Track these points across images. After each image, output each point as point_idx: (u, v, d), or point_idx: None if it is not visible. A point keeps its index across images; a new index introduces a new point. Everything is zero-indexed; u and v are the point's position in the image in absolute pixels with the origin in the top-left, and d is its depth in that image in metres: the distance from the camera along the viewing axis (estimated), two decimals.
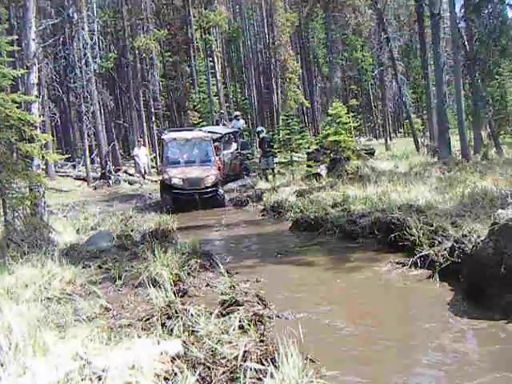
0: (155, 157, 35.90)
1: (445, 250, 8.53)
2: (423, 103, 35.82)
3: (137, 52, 37.42)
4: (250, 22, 55.34)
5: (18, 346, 5.37)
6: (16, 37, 15.65)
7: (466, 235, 8.37)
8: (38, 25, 20.28)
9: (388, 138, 44.45)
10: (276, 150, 25.41)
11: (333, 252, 11.11)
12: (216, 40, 47.92)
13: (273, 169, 24.90)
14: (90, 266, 9.86)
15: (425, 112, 35.00)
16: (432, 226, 9.81)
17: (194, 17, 40.90)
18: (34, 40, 13.09)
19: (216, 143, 23.61)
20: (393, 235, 10.16)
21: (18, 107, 11.81)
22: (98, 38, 33.76)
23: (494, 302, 6.63)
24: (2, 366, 5.08)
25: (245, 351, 5.44)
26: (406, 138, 48.48)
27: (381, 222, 11.13)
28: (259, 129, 27.38)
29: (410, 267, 8.91)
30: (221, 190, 20.79)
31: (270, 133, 36.51)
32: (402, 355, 5.93)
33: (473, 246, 7.61)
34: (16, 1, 29.06)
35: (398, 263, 9.27)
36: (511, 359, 5.58)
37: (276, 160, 25.69)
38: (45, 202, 12.70)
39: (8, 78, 11.93)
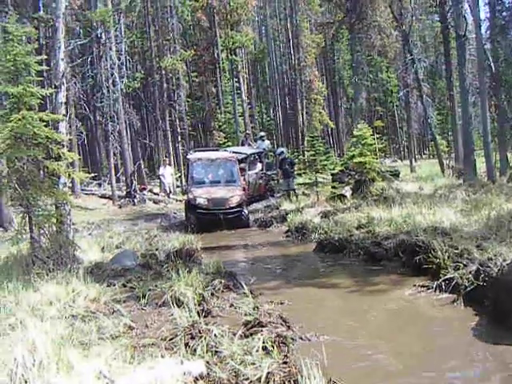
0: (180, 176, 36.01)
1: (470, 273, 8.44)
2: (448, 125, 35.66)
3: (163, 72, 37.65)
4: (276, 43, 55.60)
5: (42, 362, 5.42)
6: (45, 56, 15.84)
7: (491, 258, 8.30)
8: (67, 45, 20.57)
9: (413, 160, 44.19)
10: (300, 171, 25.41)
11: (357, 274, 11.06)
12: (242, 61, 48.16)
13: (294, 190, 24.88)
14: (114, 285, 9.90)
15: (450, 133, 34.84)
16: (457, 248, 9.74)
17: (221, 37, 41.15)
18: (62, 60, 13.25)
19: (241, 164, 23.61)
20: (417, 258, 10.11)
21: (45, 125, 11.93)
22: (126, 57, 34.05)
23: None
24: (26, 382, 5.12)
25: (268, 373, 5.43)
26: (431, 159, 48.26)
27: (405, 245, 11.08)
28: (280, 150, 27.40)
29: (435, 291, 8.84)
30: (245, 211, 20.77)
31: (295, 153, 36.55)
32: (425, 379, 5.88)
33: (498, 270, 7.53)
34: (45, 21, 29.44)
35: (422, 286, 9.20)
36: None
37: (299, 181, 25.67)
38: (70, 220, 12.77)
39: (36, 97, 12.06)
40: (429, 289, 9.00)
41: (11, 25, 12.29)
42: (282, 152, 26.27)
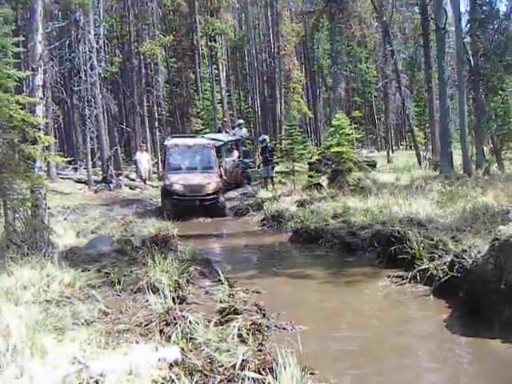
0: (157, 162, 35.86)
1: (444, 264, 8.49)
2: (426, 117, 35.82)
3: (142, 57, 37.42)
4: (256, 31, 55.43)
5: (16, 347, 5.38)
6: (22, 38, 15.66)
7: (466, 250, 8.35)
8: (45, 27, 20.29)
9: (390, 151, 44.43)
10: (277, 160, 25.40)
11: (332, 265, 11.12)
12: (221, 48, 48.00)
13: (272, 177, 24.89)
14: (89, 270, 9.86)
15: (427, 125, 34.99)
16: (432, 240, 9.82)
17: (200, 24, 40.95)
18: (40, 42, 13.09)
19: (218, 151, 23.58)
20: (393, 248, 10.15)
21: (22, 108, 11.79)
22: (104, 41, 33.76)
23: (493, 318, 6.60)
24: None
25: (243, 360, 5.43)
26: (408, 150, 48.44)
27: (381, 235, 11.12)
28: (262, 137, 27.34)
29: (410, 281, 8.91)
30: (222, 198, 20.75)
31: (273, 142, 36.51)
32: (398, 368, 5.93)
33: (473, 262, 7.59)
34: (23, 2, 29.09)
35: (397, 277, 9.26)
36: (507, 375, 5.58)
37: (276, 169, 25.68)
38: (46, 204, 12.67)
39: (13, 80, 11.91)
40: (403, 279, 9.07)
41: None
42: (264, 139, 26.25)
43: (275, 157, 25.73)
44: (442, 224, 11.40)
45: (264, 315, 7.34)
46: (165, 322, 6.62)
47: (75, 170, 34.64)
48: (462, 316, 7.21)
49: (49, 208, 13.64)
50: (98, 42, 31.26)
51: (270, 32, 48.69)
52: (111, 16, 40.79)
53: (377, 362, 6.09)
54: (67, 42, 31.89)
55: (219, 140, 25.64)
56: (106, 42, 36.49)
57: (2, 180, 11.48)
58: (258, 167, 25.81)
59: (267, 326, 6.87)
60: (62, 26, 32.24)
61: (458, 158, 23.97)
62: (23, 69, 18.26)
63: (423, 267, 8.86)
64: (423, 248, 9.48)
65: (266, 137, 27.97)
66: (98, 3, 32.45)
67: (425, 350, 6.41)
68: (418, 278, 8.82)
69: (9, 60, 12.27)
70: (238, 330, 6.34)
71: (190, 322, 6.54)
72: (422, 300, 8.20)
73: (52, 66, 31.75)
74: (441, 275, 8.29)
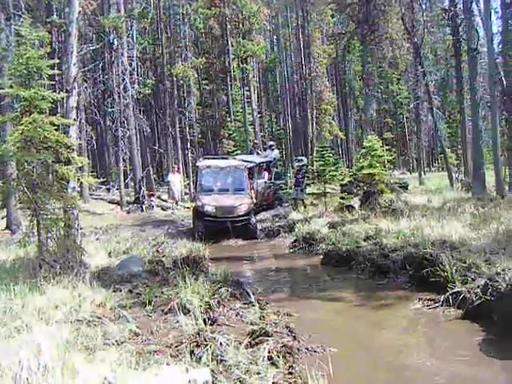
0: (189, 183, 36.01)
1: (478, 287, 8.39)
2: (458, 138, 35.59)
3: (174, 79, 37.72)
4: (287, 53, 55.60)
5: (47, 366, 5.40)
6: (57, 61, 15.87)
7: (499, 273, 8.22)
8: (79, 50, 20.60)
9: (422, 172, 44.13)
10: (309, 181, 25.35)
11: (363, 288, 11.05)
12: (253, 69, 48.13)
13: (303, 199, 24.81)
14: (120, 290, 9.89)
15: (460, 147, 34.76)
16: (465, 262, 9.70)
17: (232, 46, 41.17)
18: (74, 64, 13.28)
19: (250, 172, 23.57)
20: (425, 271, 10.04)
21: (56, 130, 11.94)
22: (137, 64, 34.17)
23: None
24: None
25: (273, 383, 5.40)
26: (440, 172, 48.11)
27: (413, 257, 11.02)
28: (300, 158, 27.28)
29: (442, 305, 8.80)
30: (253, 219, 20.68)
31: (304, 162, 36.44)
32: None
33: (507, 285, 7.48)
34: (59, 26, 29.54)
35: (429, 300, 9.16)
36: None
37: (308, 191, 25.63)
38: (78, 225, 12.76)
39: (48, 101, 12.07)
40: (435, 303, 8.97)
41: (25, 28, 12.32)
42: (302, 160, 26.22)
43: (306, 179, 25.64)
44: (475, 246, 11.25)
45: (295, 337, 7.30)
46: (195, 344, 6.62)
47: (108, 190, 34.93)
48: (496, 339, 7.11)
49: (81, 228, 13.74)
50: (131, 64, 31.61)
51: (302, 54, 48.71)
52: (144, 38, 41.19)
53: None
54: (101, 64, 32.34)
55: (251, 161, 25.61)
56: (139, 64, 36.92)
57: (35, 200, 11.60)
58: (291, 188, 25.73)
59: (298, 349, 6.83)
60: (96, 49, 32.68)
61: (490, 180, 23.71)
62: (58, 91, 18.44)
63: (456, 290, 8.75)
64: (456, 271, 9.38)
65: (304, 158, 27.92)
66: (132, 26, 32.86)
67: (459, 375, 6.31)
68: (451, 301, 8.72)
69: (44, 82, 12.44)
70: (269, 352, 6.31)
71: (220, 343, 6.54)
72: (454, 323, 8.10)
73: (86, 87, 32.21)
74: (474, 298, 8.18)
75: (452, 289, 8.86)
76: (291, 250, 16.98)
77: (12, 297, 8.25)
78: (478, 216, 15.63)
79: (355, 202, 21.01)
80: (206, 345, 6.51)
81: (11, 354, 5.63)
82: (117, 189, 32.89)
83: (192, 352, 6.39)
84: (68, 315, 7.84)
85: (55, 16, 30.15)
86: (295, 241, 17.54)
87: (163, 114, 40.49)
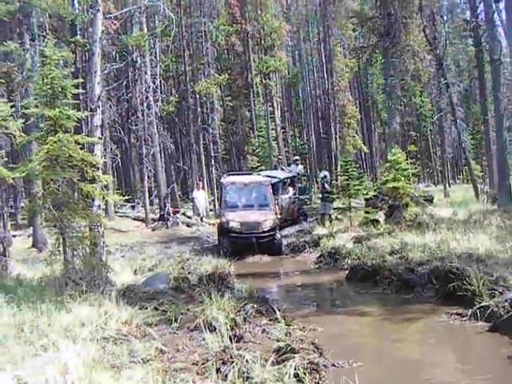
0: (213, 200, 36.11)
1: (506, 301, 8.30)
2: (483, 149, 35.38)
3: (197, 96, 37.92)
4: (309, 68, 55.73)
5: None
6: (81, 80, 16.05)
7: None
8: (103, 68, 20.78)
9: (447, 185, 43.83)
10: (334, 196, 25.28)
11: (389, 302, 10.98)
12: (275, 85, 48.35)
13: (330, 214, 24.76)
14: (146, 308, 9.89)
15: (484, 158, 34.50)
16: (492, 276, 9.61)
17: (254, 62, 41.41)
18: (98, 83, 13.40)
19: (274, 188, 23.56)
20: (451, 285, 9.96)
21: (81, 148, 12.08)
22: (160, 81, 34.36)
23: None
24: None
25: None
26: (465, 184, 47.72)
27: (439, 271, 10.93)
28: (324, 173, 27.25)
29: (469, 319, 8.71)
30: (278, 235, 20.63)
31: (329, 178, 36.43)
32: None
33: None
34: (82, 45, 29.87)
35: (456, 314, 9.09)
36: None
37: (334, 205, 25.55)
38: (104, 242, 12.84)
39: (72, 120, 12.21)
40: (463, 317, 8.89)
41: (49, 49, 12.49)
42: (325, 176, 26.22)
43: (331, 193, 25.57)
44: (502, 259, 11.14)
45: (321, 354, 7.26)
46: (221, 361, 6.60)
47: (133, 207, 35.14)
48: None
49: (107, 246, 13.81)
50: (154, 82, 31.82)
51: (324, 68, 48.83)
52: (167, 56, 41.50)
53: None
54: (124, 82, 32.63)
55: (275, 177, 25.65)
56: (163, 81, 37.18)
57: (61, 218, 11.70)
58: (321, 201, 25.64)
59: (324, 365, 6.79)
60: (120, 67, 32.97)
61: None
62: (82, 109, 18.65)
63: (483, 304, 8.66)
64: (483, 284, 9.28)
65: (327, 173, 27.89)
66: (154, 44, 33.11)
67: None
68: (478, 315, 8.62)
69: (68, 101, 12.58)
70: (295, 369, 6.28)
71: (246, 360, 6.52)
72: (483, 336, 8.02)
73: (110, 106, 32.48)
74: (502, 312, 8.09)
75: (479, 303, 8.77)
76: (316, 266, 16.93)
77: (38, 315, 8.29)
78: (504, 228, 15.48)
79: (380, 215, 20.91)
80: (232, 362, 6.50)
81: (38, 372, 5.66)
82: (142, 206, 33.10)
83: (218, 369, 6.38)
84: (94, 333, 7.85)
85: (79, 36, 30.52)
86: (320, 256, 17.50)
87: (187, 131, 40.72)
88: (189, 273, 14.34)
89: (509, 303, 8.10)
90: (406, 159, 21.38)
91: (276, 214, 21.43)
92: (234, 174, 25.56)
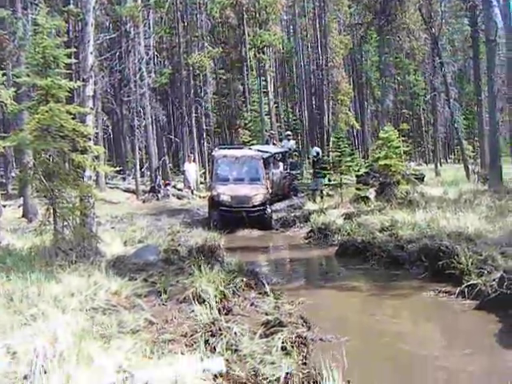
0: (204, 173, 36.11)
1: (494, 280, 8.35)
2: (475, 130, 35.43)
3: (191, 68, 37.76)
4: (304, 43, 55.45)
5: (63, 354, 5.43)
6: (74, 50, 15.91)
7: None
8: (96, 39, 20.65)
9: (438, 164, 43.91)
10: (325, 172, 25.28)
11: (378, 278, 11.03)
12: (269, 59, 48.16)
13: (321, 190, 24.78)
14: (135, 279, 9.91)
15: (476, 139, 34.57)
16: (481, 255, 9.66)
17: (249, 36, 41.18)
18: (91, 53, 13.31)
19: (266, 162, 23.51)
20: (440, 263, 10.01)
21: (72, 118, 12.00)
22: (154, 53, 34.19)
23: None
24: (45, 373, 5.13)
25: (287, 373, 5.41)
26: (457, 164, 47.91)
27: (429, 249, 10.98)
28: (315, 150, 27.20)
29: (457, 296, 8.78)
30: (269, 209, 20.61)
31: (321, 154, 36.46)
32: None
33: None
34: (75, 15, 29.60)
35: (444, 292, 9.14)
36: None
37: (325, 181, 25.57)
38: (94, 213, 12.83)
39: (64, 90, 12.13)
40: (451, 294, 8.96)
41: (41, 17, 12.37)
42: (318, 153, 26.20)
43: (323, 169, 25.56)
44: (491, 239, 11.19)
45: (309, 328, 7.30)
46: (210, 333, 6.64)
47: (124, 179, 35.09)
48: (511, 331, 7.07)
49: (97, 216, 13.79)
50: (147, 54, 31.66)
51: (318, 44, 48.56)
52: (161, 28, 41.19)
53: (424, 379, 6.00)
54: (117, 53, 32.40)
55: (266, 151, 25.59)
56: (156, 53, 36.94)
57: (52, 188, 11.67)
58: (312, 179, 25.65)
59: (312, 339, 6.84)
60: (113, 38, 32.76)
61: (507, 172, 23.56)
62: (74, 79, 18.53)
63: (471, 283, 8.72)
64: (472, 263, 9.35)
65: (319, 150, 27.85)
66: (148, 15, 32.89)
67: (470, 362, 6.29)
68: (466, 293, 8.69)
69: (60, 71, 12.48)
70: (283, 342, 6.32)
71: (235, 333, 6.56)
72: (470, 314, 8.08)
73: (102, 76, 32.30)
74: (490, 291, 8.14)
75: (468, 281, 8.83)
76: (306, 241, 16.95)
77: (28, 284, 8.29)
78: (494, 208, 15.56)
79: (371, 193, 20.94)
80: (221, 334, 6.54)
81: (27, 342, 5.67)
82: (133, 178, 33.06)
83: (207, 341, 6.42)
84: (83, 303, 7.87)
85: (72, 5, 30.19)
86: (310, 231, 17.51)
87: (179, 104, 40.57)
88: (179, 245, 14.36)
89: (497, 282, 8.15)
90: (398, 137, 21.36)
91: (267, 188, 21.38)
92: (225, 148, 25.48)
